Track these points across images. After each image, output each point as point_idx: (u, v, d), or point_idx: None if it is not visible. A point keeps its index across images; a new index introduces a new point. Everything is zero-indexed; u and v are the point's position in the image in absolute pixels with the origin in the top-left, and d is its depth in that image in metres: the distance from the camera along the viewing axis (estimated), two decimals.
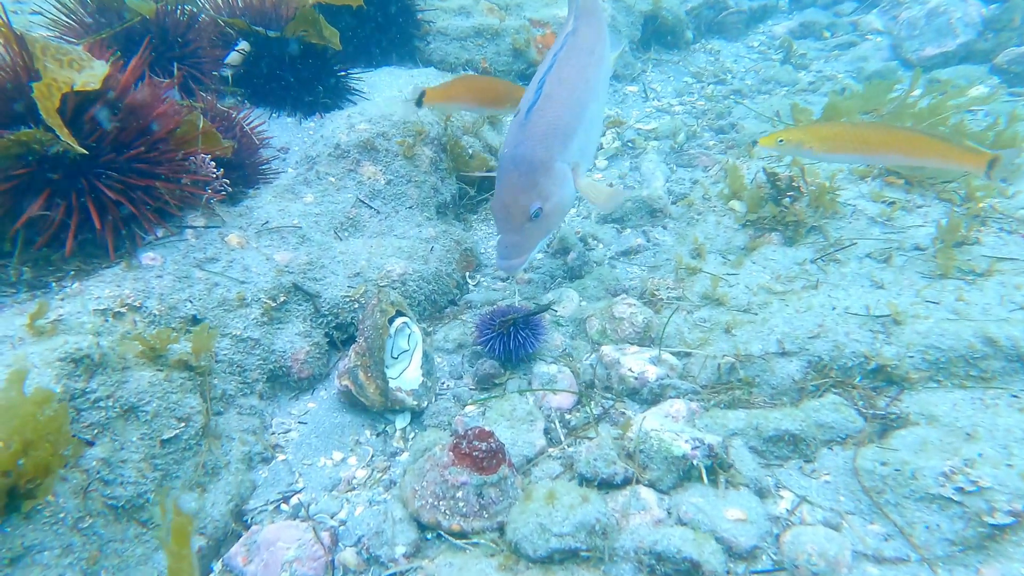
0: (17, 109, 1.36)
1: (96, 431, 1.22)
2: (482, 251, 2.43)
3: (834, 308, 1.72)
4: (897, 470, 1.24)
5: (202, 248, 1.74)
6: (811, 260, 2.00)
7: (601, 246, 2.51)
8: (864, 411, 1.46)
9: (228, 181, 1.87)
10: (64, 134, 1.33)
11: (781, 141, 1.87)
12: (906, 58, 3.76)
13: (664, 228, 2.58)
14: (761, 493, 1.34)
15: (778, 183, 2.26)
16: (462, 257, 2.27)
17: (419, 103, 2.00)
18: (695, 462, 1.35)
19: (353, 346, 1.69)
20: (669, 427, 1.43)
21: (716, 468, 1.36)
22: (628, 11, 3.78)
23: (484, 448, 1.37)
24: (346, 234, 2.07)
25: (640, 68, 3.86)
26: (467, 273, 2.29)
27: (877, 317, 1.64)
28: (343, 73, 2.69)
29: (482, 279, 2.31)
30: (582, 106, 1.77)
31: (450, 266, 2.16)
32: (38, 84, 1.31)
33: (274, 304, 1.74)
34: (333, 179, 2.19)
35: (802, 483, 1.37)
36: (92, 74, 1.41)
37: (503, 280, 2.30)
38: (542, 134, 1.63)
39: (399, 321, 1.75)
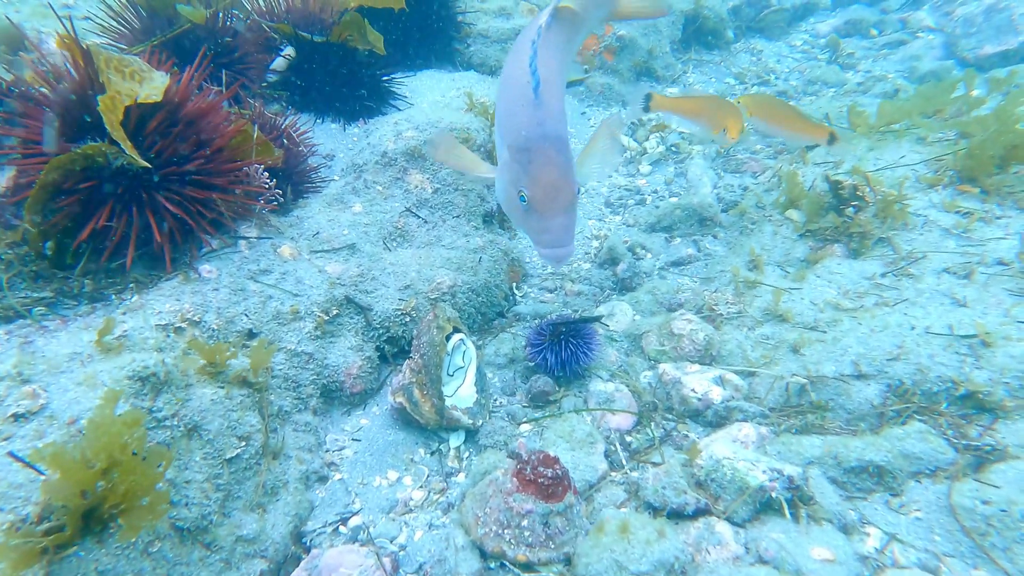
0: (84, 121, 1.35)
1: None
2: (528, 260, 2.37)
3: (913, 328, 1.63)
4: (1003, 510, 1.16)
5: (255, 260, 1.71)
6: (881, 274, 1.91)
7: (650, 255, 2.44)
8: (954, 441, 1.37)
9: (280, 192, 1.85)
10: (128, 147, 1.31)
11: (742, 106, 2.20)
12: (962, 56, 3.59)
13: (715, 238, 2.49)
14: (845, 529, 1.27)
15: (841, 191, 2.16)
16: (510, 267, 2.22)
17: (645, 108, 2.24)
18: (774, 495, 1.28)
19: (407, 362, 1.65)
20: (742, 455, 1.36)
21: (796, 501, 1.29)
22: (669, 9, 3.68)
23: (550, 475, 1.32)
24: (395, 244, 2.03)
25: (680, 69, 3.76)
26: (515, 284, 2.24)
27: (963, 338, 1.55)
28: (387, 78, 2.65)
29: (529, 290, 2.26)
30: (562, 99, 1.67)
31: (498, 277, 2.11)
32: (103, 97, 1.29)
33: (327, 317, 1.71)
34: (381, 188, 2.16)
35: (889, 519, 1.29)
36: (154, 86, 1.39)
37: (551, 292, 2.24)
38: (558, 113, 1.53)
39: (456, 338, 1.71)
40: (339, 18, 2.45)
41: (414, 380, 1.61)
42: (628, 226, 2.62)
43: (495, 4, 3.25)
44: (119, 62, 1.38)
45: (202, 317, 1.50)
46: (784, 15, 4.25)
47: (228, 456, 1.31)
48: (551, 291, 2.24)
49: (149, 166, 1.38)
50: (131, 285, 1.51)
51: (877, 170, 2.32)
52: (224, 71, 2.23)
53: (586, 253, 2.44)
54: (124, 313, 1.43)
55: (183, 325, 1.44)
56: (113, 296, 1.48)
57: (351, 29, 2.47)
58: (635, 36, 3.49)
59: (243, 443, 1.35)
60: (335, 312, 1.74)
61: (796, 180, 2.31)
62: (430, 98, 2.71)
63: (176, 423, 1.24)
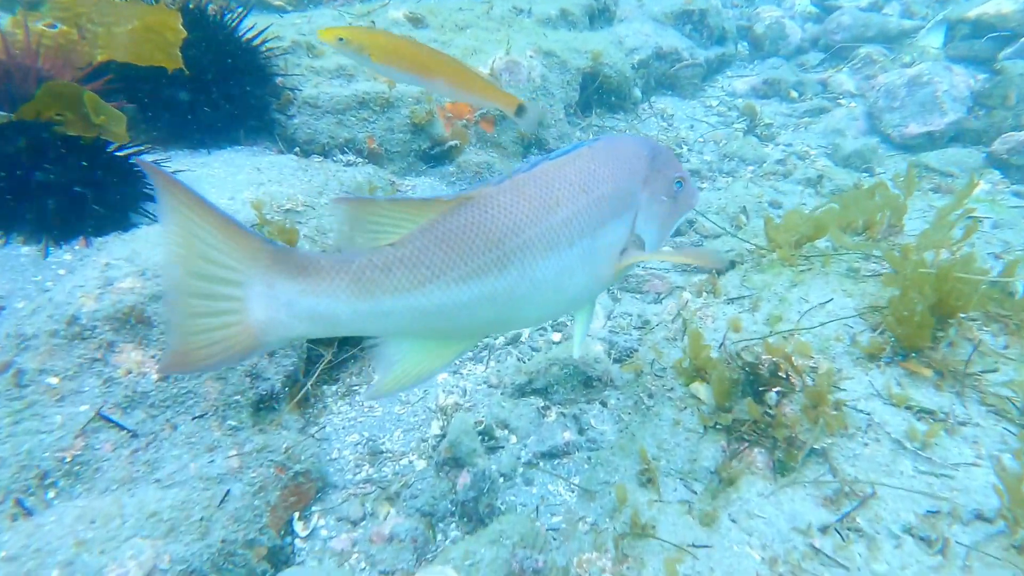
0: None
1: None
2: (330, 457, 1.62)
3: None
4: None
5: None
6: (820, 527, 1.31)
7: (515, 439, 1.75)
8: None
9: None
10: None
11: (342, 40, 1.67)
12: (886, 133, 3.21)
13: (604, 406, 1.85)
14: None
15: (758, 370, 1.58)
16: (286, 494, 1.46)
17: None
18: None
19: None
20: None
21: None
22: (563, 68, 3.07)
23: None
24: (51, 496, 1.23)
25: (578, 138, 3.15)
26: (296, 514, 1.48)
27: None
28: (137, 170, 1.82)
29: (322, 521, 1.50)
30: None
31: (253, 527, 1.34)
32: None
33: None
34: (56, 380, 1.34)
35: None
36: None
37: (354, 524, 1.49)
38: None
39: None
40: (35, 90, 1.61)
41: None
42: (491, 386, 1.93)
43: (332, 62, 2.49)
44: None
45: None
46: (697, 70, 3.76)
47: None
48: (355, 522, 1.49)
49: None
50: None
51: (800, 328, 1.76)
52: None
53: (422, 441, 1.72)
54: None
55: None
56: None
57: (58, 105, 1.63)
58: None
59: None
60: None
61: (701, 343, 1.70)
62: (215, 199, 1.91)
63: None
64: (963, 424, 1.46)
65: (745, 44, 4.48)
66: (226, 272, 0.93)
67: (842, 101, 3.60)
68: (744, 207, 2.61)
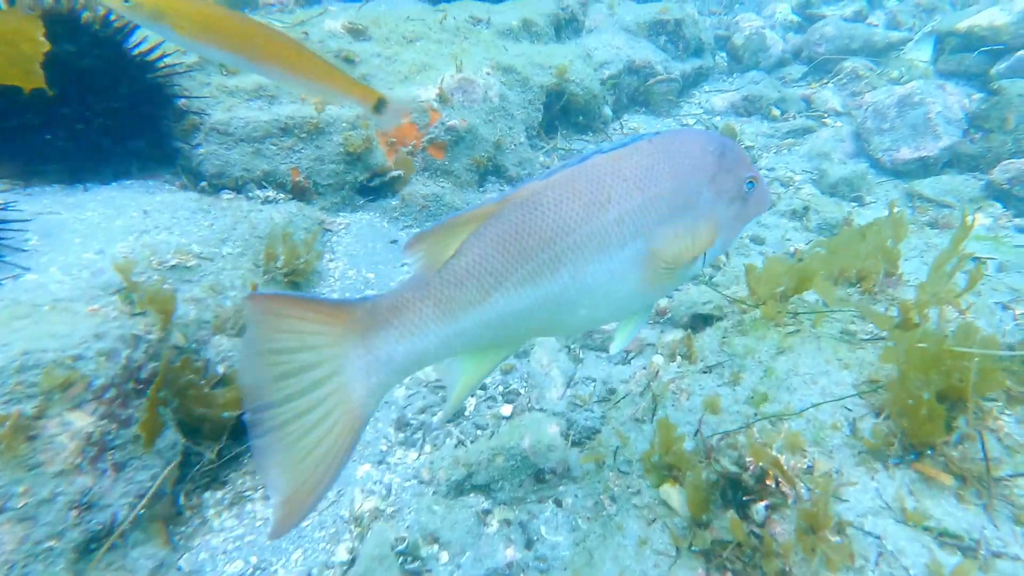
0: None
1: None
2: None
3: None
4: None
5: None
6: None
7: (445, 558, 1.42)
8: None
9: None
10: None
11: (129, 2, 1.26)
12: (875, 157, 2.96)
13: (559, 506, 1.53)
14: None
15: (741, 478, 1.27)
16: None
17: None
18: None
19: None
20: None
21: None
22: (524, 86, 2.76)
23: None
24: None
25: (541, 162, 2.84)
26: None
27: None
28: None
29: None
30: None
31: None
32: None
33: None
34: None
35: None
36: None
37: None
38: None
39: None
40: None
41: None
42: (422, 482, 1.59)
43: (249, 81, 2.14)
44: None
45: None
46: (673, 85, 3.48)
47: None
48: None
49: None
50: None
51: (789, 412, 1.46)
52: None
53: (326, 569, 1.36)
54: None
55: None
56: None
57: None
58: (475, 124, 2.52)
59: None
60: None
61: (672, 434, 1.39)
62: (76, 257, 1.54)
63: None
64: (998, 556, 1.17)
65: (724, 55, 4.22)
66: (320, 370, 0.83)
67: (827, 120, 3.34)
68: (726, 253, 2.32)
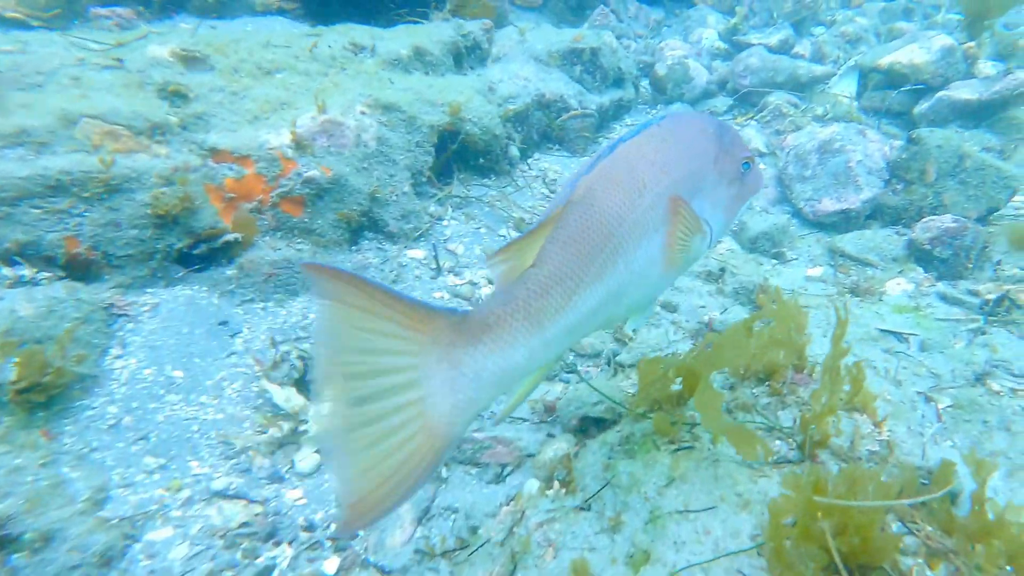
0: None
1: None
2: None
3: None
4: None
5: None
6: None
7: None
8: None
9: None
10: None
11: None
12: (798, 207, 2.75)
13: None
14: None
15: None
16: None
17: None
18: None
19: None
20: None
21: None
22: (410, 126, 2.39)
23: None
24: None
25: (432, 215, 2.48)
26: None
27: None
28: None
29: None
30: None
31: None
32: None
33: None
34: None
35: None
36: None
37: None
38: None
39: None
40: None
41: None
42: None
43: (10, 123, 1.67)
44: None
45: None
46: (588, 121, 3.20)
47: None
48: None
49: None
50: None
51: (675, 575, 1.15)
52: None
53: None
54: None
55: None
56: None
57: None
58: (344, 173, 2.13)
59: None
60: None
61: None
62: None
63: None
64: None
65: (647, 84, 3.99)
66: (399, 376, 0.80)
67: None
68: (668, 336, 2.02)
